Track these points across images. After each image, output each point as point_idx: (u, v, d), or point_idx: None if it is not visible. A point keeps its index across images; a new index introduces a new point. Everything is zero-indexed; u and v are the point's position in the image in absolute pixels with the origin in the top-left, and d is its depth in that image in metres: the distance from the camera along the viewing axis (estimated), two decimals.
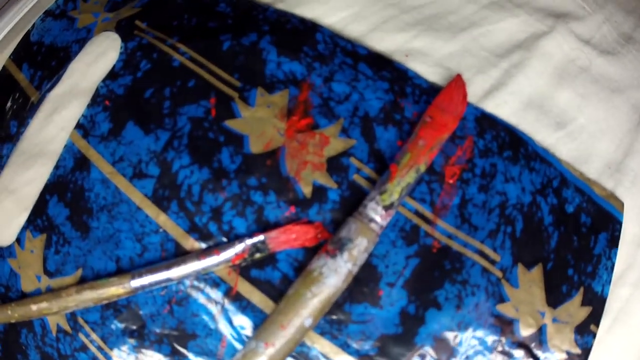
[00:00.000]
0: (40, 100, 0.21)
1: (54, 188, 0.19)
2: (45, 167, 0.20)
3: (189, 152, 0.17)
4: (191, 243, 0.17)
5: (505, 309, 0.17)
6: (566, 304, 0.17)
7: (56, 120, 0.20)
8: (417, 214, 0.17)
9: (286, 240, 0.16)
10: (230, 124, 0.17)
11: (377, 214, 0.16)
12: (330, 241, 0.16)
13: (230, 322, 0.16)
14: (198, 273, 0.16)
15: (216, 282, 0.16)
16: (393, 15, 0.20)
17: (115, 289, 0.16)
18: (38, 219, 0.19)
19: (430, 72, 0.19)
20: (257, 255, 0.16)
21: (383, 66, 0.18)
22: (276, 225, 0.16)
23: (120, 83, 0.19)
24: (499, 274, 0.17)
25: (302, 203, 0.17)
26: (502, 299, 0.17)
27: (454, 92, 0.18)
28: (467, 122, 0.18)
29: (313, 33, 0.19)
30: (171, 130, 0.18)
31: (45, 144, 0.20)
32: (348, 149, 0.17)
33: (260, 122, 0.17)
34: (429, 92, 0.18)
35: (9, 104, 0.22)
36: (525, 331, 0.17)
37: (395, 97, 0.18)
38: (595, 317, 0.17)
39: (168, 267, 0.16)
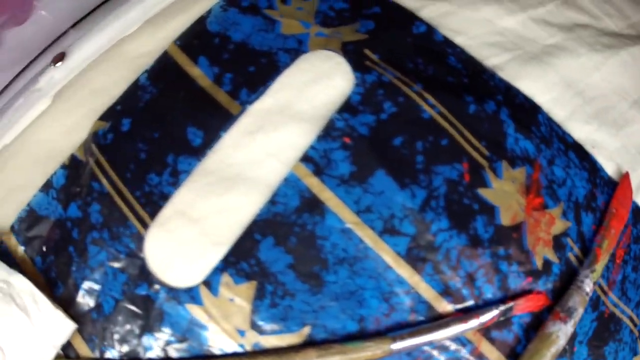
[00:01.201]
0: (240, 113, 0.18)
1: (268, 227, 0.17)
2: (248, 198, 0.17)
3: (447, 215, 0.17)
4: (444, 306, 0.17)
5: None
6: None
7: (261, 142, 0.18)
8: (600, 287, 0.20)
9: (525, 307, 0.18)
10: (483, 192, 0.18)
11: (589, 288, 0.19)
12: (561, 309, 0.18)
13: None
14: (456, 335, 0.17)
15: (463, 343, 0.17)
16: (580, 104, 0.22)
17: (371, 354, 0.16)
18: (243, 262, 0.17)
19: (607, 165, 0.22)
20: (502, 318, 0.18)
21: (583, 156, 0.21)
22: (514, 292, 0.18)
23: (362, 121, 0.18)
24: (637, 333, 0.21)
25: (535, 274, 0.18)
26: (635, 353, 0.21)
27: (627, 188, 0.21)
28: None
29: (536, 113, 0.20)
30: (427, 189, 0.18)
31: (245, 168, 0.18)
32: (566, 230, 0.19)
33: (507, 196, 0.18)
34: (608, 184, 0.21)
35: (179, 103, 0.18)
36: None
37: (592, 187, 0.21)
38: None
39: (430, 330, 0.17)
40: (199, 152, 0.18)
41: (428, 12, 0.20)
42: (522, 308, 0.18)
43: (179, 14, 0.20)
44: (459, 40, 0.20)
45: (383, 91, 0.18)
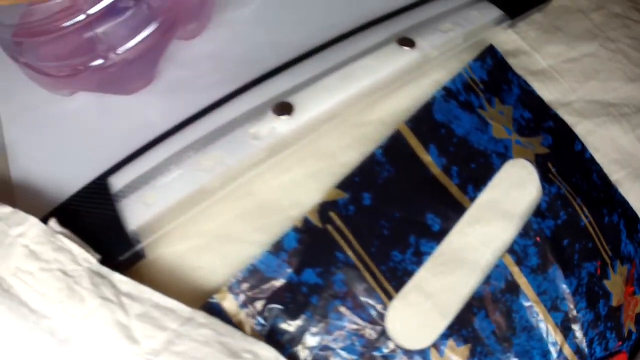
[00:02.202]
0: (468, 206, 0.22)
1: (482, 302, 0.22)
2: (469, 279, 0.22)
3: (586, 298, 0.24)
4: None
5: None
6: None
7: (477, 231, 0.22)
8: None
9: None
10: (606, 282, 0.25)
11: None
12: None
13: None
14: None
15: None
16: None
17: None
18: (463, 329, 0.22)
19: None
20: None
21: None
22: (611, 352, 0.26)
23: (547, 225, 0.23)
24: None
25: (624, 340, 0.26)
26: None
27: None
28: None
29: (636, 223, 0.27)
30: (577, 279, 0.24)
31: (466, 253, 0.22)
32: None
33: (617, 285, 0.25)
34: None
35: (416, 187, 0.22)
36: None
37: None
38: None
39: None
40: (437, 237, 0.21)
41: (580, 130, 0.26)
42: None
43: (400, 90, 0.23)
44: (597, 157, 0.26)
45: (560, 202, 0.24)
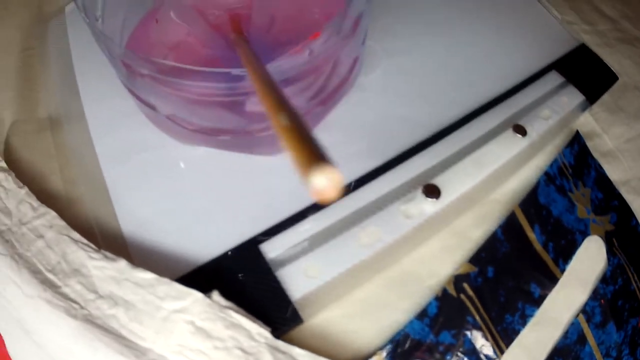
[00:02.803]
0: (560, 277, 0.27)
1: (560, 353, 0.27)
2: (553, 334, 0.27)
3: (629, 347, 0.30)
4: None
5: None
6: None
7: (563, 296, 0.27)
8: None
9: None
10: None
11: None
12: None
13: None
14: None
15: None
16: None
17: None
18: None
19: None
20: None
21: None
22: None
23: (609, 290, 0.28)
24: None
25: None
26: None
27: None
28: None
29: None
30: (624, 332, 0.29)
31: (554, 313, 0.27)
32: None
33: None
34: None
35: (524, 261, 0.26)
36: None
37: None
38: None
39: None
40: (537, 302, 0.26)
41: (636, 206, 0.31)
42: None
43: (514, 174, 0.27)
44: None
45: (619, 271, 0.29)
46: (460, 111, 0.28)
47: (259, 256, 0.23)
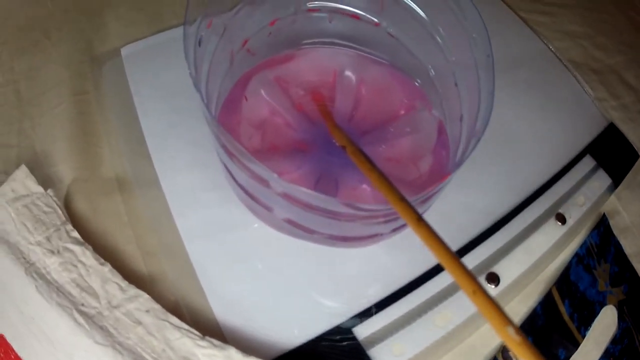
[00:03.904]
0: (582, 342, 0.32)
1: None
2: None
3: None
4: None
5: None
6: None
7: (582, 357, 0.33)
8: None
9: None
10: None
11: None
12: None
13: None
14: None
15: None
16: None
17: None
18: None
19: None
20: None
21: None
22: None
23: (617, 348, 0.34)
24: None
25: None
26: None
27: None
28: None
29: None
30: None
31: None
32: None
33: None
34: None
35: (555, 332, 0.31)
36: None
37: None
38: None
39: None
40: None
41: None
42: None
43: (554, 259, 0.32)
44: None
45: (626, 333, 0.35)
46: (513, 200, 0.32)
47: (353, 338, 0.26)
